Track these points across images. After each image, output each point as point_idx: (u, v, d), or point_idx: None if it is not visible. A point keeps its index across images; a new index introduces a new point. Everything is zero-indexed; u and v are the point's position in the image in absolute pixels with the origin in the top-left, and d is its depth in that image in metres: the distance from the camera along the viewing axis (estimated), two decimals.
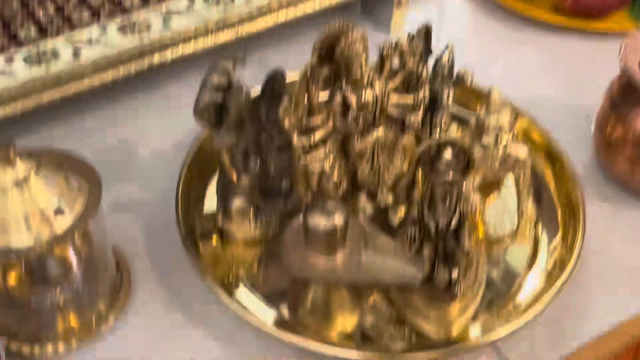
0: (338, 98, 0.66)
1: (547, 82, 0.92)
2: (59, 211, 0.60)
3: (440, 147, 0.64)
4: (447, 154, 0.64)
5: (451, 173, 0.63)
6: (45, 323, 0.66)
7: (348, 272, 0.62)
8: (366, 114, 0.67)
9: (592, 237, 0.75)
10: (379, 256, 0.63)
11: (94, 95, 0.83)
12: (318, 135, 0.66)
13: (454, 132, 0.82)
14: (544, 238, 0.76)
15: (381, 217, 0.75)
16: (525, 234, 0.76)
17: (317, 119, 0.66)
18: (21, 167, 0.59)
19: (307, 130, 0.66)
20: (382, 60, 0.69)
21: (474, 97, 0.85)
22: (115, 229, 0.74)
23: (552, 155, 0.82)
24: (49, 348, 0.65)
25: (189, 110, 0.69)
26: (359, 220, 0.66)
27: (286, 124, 0.64)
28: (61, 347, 0.66)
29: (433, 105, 0.77)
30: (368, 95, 0.66)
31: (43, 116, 0.83)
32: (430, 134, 0.79)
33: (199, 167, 0.79)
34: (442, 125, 0.79)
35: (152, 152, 0.83)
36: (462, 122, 0.84)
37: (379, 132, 0.68)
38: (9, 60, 0.79)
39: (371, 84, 0.66)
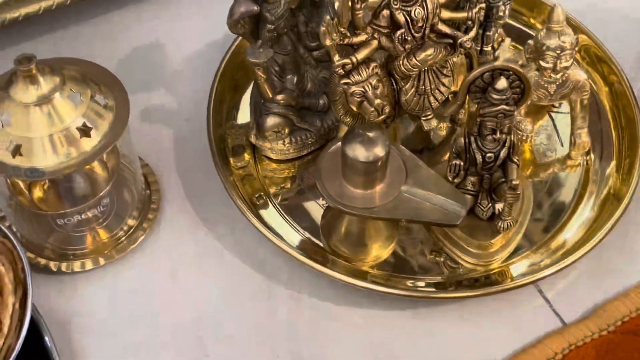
0: (385, 13, 0.61)
1: None
2: (84, 130, 0.57)
3: (493, 74, 0.59)
4: (501, 83, 0.58)
5: (503, 106, 0.58)
6: (72, 239, 0.65)
7: (386, 206, 0.58)
8: (414, 33, 0.61)
9: None
10: (420, 190, 0.59)
11: None
12: (360, 54, 0.61)
13: (508, 46, 0.76)
14: (596, 168, 0.71)
15: (422, 138, 0.71)
16: (577, 163, 0.71)
17: (360, 37, 0.61)
18: (44, 84, 0.55)
19: (349, 49, 0.61)
20: None
21: (534, 6, 0.79)
22: (144, 140, 0.71)
23: (610, 75, 0.75)
24: (76, 264, 0.64)
25: (224, 7, 0.64)
26: (401, 147, 0.62)
27: (327, 42, 0.59)
28: (89, 263, 0.64)
29: (487, 18, 0.71)
30: (418, 13, 0.60)
31: (67, 15, 0.78)
32: (482, 49, 0.73)
33: (234, 73, 0.75)
34: (496, 40, 0.74)
35: (183, 54, 0.79)
36: (518, 36, 0.78)
37: (427, 53, 0.62)
38: None
39: (423, 0, 0.60)
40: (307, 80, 0.70)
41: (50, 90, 0.55)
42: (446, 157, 0.71)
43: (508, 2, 0.71)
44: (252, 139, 0.70)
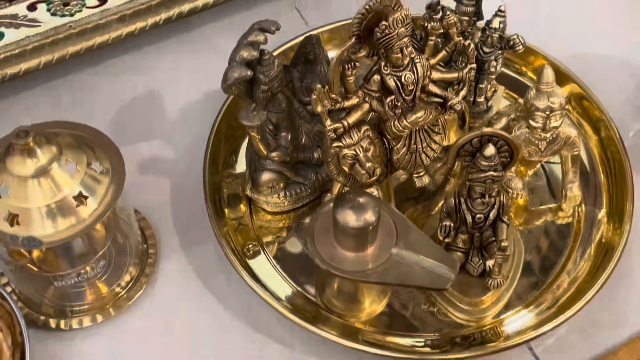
0: (376, 78, 0.62)
1: (603, 37, 0.85)
2: (81, 198, 0.58)
3: (482, 139, 0.60)
4: (489, 150, 0.59)
5: (491, 172, 0.59)
6: (71, 295, 0.66)
7: (377, 269, 0.59)
8: (405, 96, 0.62)
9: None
10: (410, 253, 0.60)
11: (120, 41, 0.79)
12: (352, 118, 0.62)
13: (502, 95, 0.77)
14: (588, 220, 0.71)
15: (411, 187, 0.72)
16: (568, 215, 0.72)
17: (352, 101, 0.62)
18: (41, 156, 0.56)
19: (340, 114, 0.62)
20: (425, 34, 0.64)
21: (526, 54, 0.79)
22: (140, 191, 0.72)
23: (599, 123, 0.75)
24: (75, 321, 0.65)
25: (222, 57, 0.64)
26: (392, 208, 0.63)
27: (318, 108, 0.60)
28: (87, 320, 0.66)
29: (480, 71, 0.72)
30: (408, 78, 0.61)
31: (66, 67, 0.79)
32: (475, 100, 0.74)
33: (231, 121, 0.75)
34: (489, 90, 0.75)
35: (180, 104, 0.80)
36: (511, 83, 0.79)
37: (418, 115, 0.63)
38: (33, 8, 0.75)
39: (413, 64, 0.61)
40: (301, 134, 0.71)
41: (48, 162, 0.56)
42: (440, 204, 0.71)
43: (500, 55, 0.72)
44: (248, 192, 0.72)
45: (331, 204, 0.61)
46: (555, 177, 0.74)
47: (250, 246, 0.70)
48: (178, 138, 0.77)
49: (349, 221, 0.58)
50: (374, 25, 0.59)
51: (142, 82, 0.80)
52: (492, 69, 0.71)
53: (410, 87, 0.62)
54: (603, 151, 0.75)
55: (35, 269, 0.64)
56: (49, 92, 0.79)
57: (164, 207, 0.73)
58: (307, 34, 0.72)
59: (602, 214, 0.72)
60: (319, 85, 0.59)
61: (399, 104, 0.62)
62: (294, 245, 0.71)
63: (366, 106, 0.62)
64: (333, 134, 0.62)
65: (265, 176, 0.69)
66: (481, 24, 0.72)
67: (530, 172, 0.75)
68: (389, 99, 0.61)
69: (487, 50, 0.71)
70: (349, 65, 0.60)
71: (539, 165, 0.75)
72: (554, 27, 0.84)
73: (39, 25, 0.73)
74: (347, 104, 0.62)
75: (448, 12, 0.63)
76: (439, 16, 0.67)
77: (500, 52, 0.71)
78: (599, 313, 0.67)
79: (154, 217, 0.72)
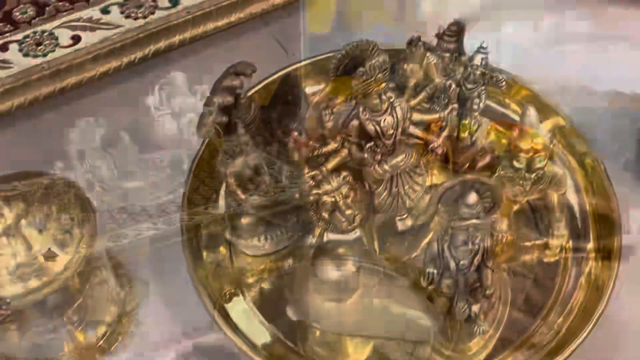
0: (355, 124, 0.60)
1: (585, 65, 0.83)
2: (51, 255, 0.56)
3: (464, 187, 0.59)
4: (472, 198, 0.58)
5: (474, 220, 0.58)
6: (44, 350, 0.64)
7: (358, 321, 0.58)
8: (385, 140, 0.61)
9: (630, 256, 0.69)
10: (392, 303, 0.59)
11: (94, 81, 0.77)
12: (330, 164, 0.60)
13: (485, 127, 0.75)
14: (575, 256, 0.70)
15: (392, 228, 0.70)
16: (555, 253, 0.71)
17: (331, 146, 0.60)
18: (8, 214, 0.55)
19: (319, 160, 0.60)
20: (405, 76, 0.62)
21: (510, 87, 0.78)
22: (117, 237, 0.70)
23: (583, 154, 0.74)
24: None
25: (201, 92, 0.63)
26: (374, 257, 0.61)
27: (295, 157, 0.58)
28: None
29: (463, 106, 0.71)
30: (388, 122, 0.60)
31: (41, 105, 0.77)
32: (458, 135, 0.73)
33: (211, 163, 0.73)
34: (472, 127, 0.73)
35: (159, 142, 0.78)
36: (494, 116, 0.77)
37: (398, 159, 0.62)
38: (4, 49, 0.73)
39: (392, 108, 0.60)
40: (281, 175, 0.69)
41: (15, 220, 0.55)
42: (427, 240, 0.70)
43: (483, 92, 0.70)
44: (227, 236, 0.70)
45: (312, 251, 0.60)
46: (540, 210, 0.73)
47: (229, 291, 0.68)
48: (155, 178, 0.76)
49: (328, 273, 0.57)
50: (351, 70, 0.58)
51: (119, 121, 0.79)
52: (475, 106, 0.70)
53: (390, 132, 0.60)
54: (589, 184, 0.74)
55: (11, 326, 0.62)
56: (24, 134, 0.77)
57: (141, 251, 0.71)
58: (287, 72, 0.71)
59: (589, 248, 0.71)
60: (296, 133, 0.58)
61: (379, 148, 0.60)
62: (276, 290, 0.69)
63: (345, 151, 0.61)
64: (311, 181, 0.60)
65: (245, 220, 0.68)
66: (464, 59, 0.70)
67: (515, 208, 0.73)
68: (367, 146, 0.60)
69: (470, 86, 0.69)
70: (327, 112, 0.58)
71: (525, 200, 0.74)
72: (536, 58, 0.83)
73: (11, 67, 0.72)
74: (325, 150, 0.60)
75: (428, 54, 0.62)
76: (420, 52, 0.66)
77: (483, 88, 0.70)
78: (589, 355, 0.65)
79: (130, 263, 0.70)
